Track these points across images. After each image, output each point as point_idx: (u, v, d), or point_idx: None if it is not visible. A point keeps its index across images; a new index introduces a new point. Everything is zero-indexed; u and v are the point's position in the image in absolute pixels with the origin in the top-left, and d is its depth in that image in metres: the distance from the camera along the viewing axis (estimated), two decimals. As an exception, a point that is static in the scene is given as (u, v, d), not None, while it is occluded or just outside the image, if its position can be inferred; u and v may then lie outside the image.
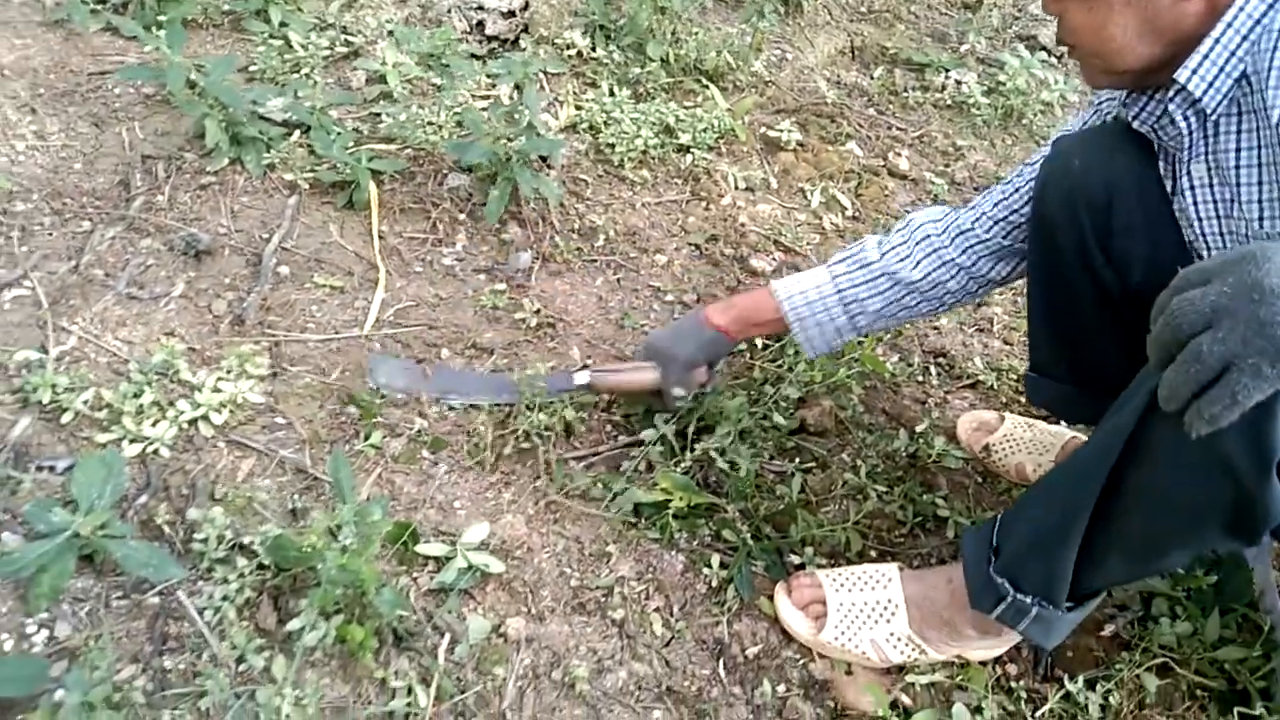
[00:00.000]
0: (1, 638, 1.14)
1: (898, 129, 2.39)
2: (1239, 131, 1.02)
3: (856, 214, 2.12)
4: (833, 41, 2.69)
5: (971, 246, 1.37)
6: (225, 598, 1.20)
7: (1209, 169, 1.07)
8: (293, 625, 1.16)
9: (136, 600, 1.20)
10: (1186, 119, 1.05)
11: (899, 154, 2.28)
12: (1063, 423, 1.63)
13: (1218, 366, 0.78)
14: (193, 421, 1.42)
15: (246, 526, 1.29)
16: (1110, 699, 1.29)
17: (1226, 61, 0.99)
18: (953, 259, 1.36)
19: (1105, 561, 1.07)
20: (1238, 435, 0.83)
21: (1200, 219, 1.10)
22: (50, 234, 1.70)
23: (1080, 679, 1.29)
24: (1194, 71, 1.00)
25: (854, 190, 2.17)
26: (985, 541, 1.19)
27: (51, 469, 1.32)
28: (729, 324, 1.46)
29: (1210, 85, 1.00)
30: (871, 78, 2.58)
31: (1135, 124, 1.12)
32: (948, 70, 2.59)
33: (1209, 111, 1.02)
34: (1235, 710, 1.28)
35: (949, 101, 2.51)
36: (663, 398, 1.49)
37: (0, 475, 1.28)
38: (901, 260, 1.38)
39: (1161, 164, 1.15)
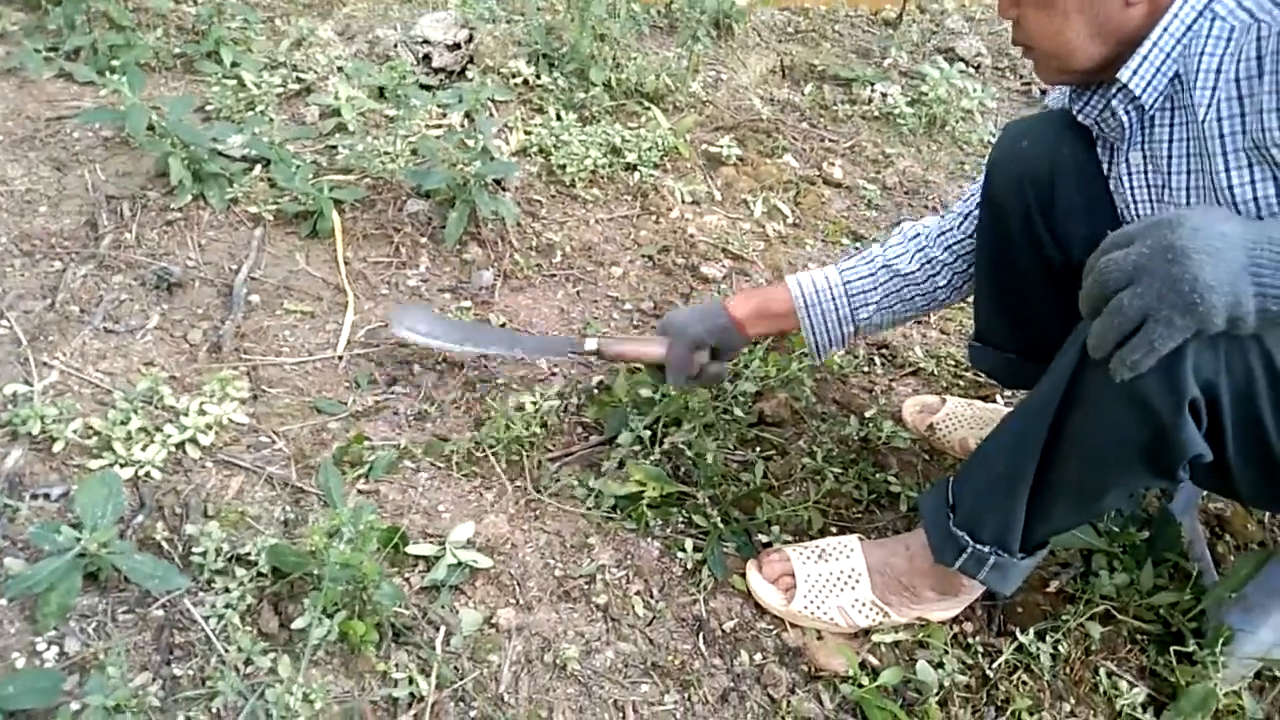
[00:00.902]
0: (13, 656, 1.18)
1: (830, 140, 2.53)
2: (1171, 125, 1.14)
3: (797, 221, 2.24)
4: (764, 61, 2.83)
5: (952, 245, 1.48)
6: (228, 605, 1.26)
7: (1145, 157, 1.19)
8: (297, 624, 1.22)
9: (141, 614, 1.25)
10: (1128, 112, 1.17)
11: (833, 164, 2.41)
12: (999, 398, 1.76)
13: (1137, 319, 0.90)
14: (181, 444, 1.47)
15: (242, 539, 1.35)
16: (1059, 648, 1.40)
17: (1163, 63, 1.10)
18: (938, 257, 1.48)
19: (1052, 509, 1.18)
20: (1154, 378, 0.95)
21: (1135, 202, 1.23)
22: (23, 274, 1.74)
23: (1031, 631, 1.41)
24: (1134, 71, 1.11)
25: (793, 199, 2.30)
26: (942, 499, 1.30)
27: (46, 496, 1.37)
28: (744, 315, 1.53)
29: (1148, 84, 1.12)
30: (802, 94, 2.73)
31: (1080, 117, 1.24)
32: (873, 84, 2.74)
33: (1146, 107, 1.15)
34: (1172, 649, 1.40)
35: (876, 113, 2.66)
36: (664, 373, 1.55)
37: (-3, 504, 1.32)
38: (898, 256, 1.50)
39: (1101, 152, 1.27)
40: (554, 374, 1.77)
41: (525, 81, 2.47)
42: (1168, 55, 1.10)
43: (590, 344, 1.57)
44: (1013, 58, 3.10)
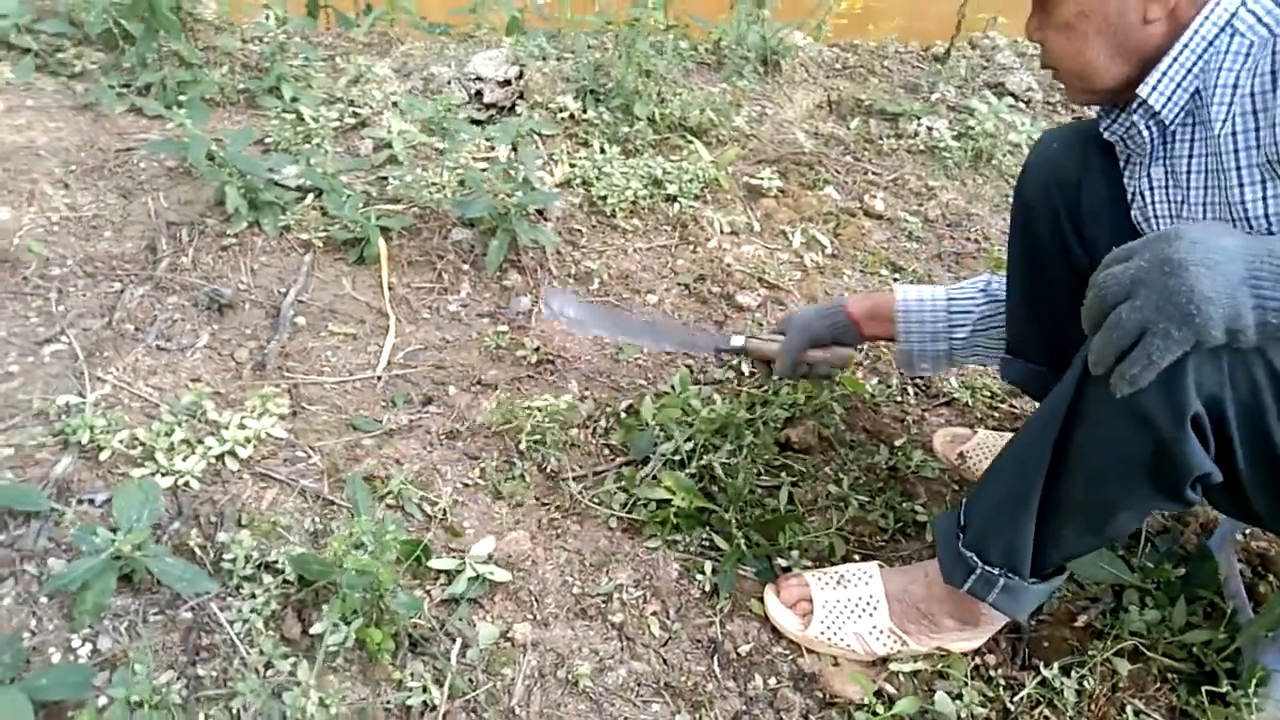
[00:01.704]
0: (50, 651, 1.24)
1: (873, 173, 2.54)
2: (1192, 140, 1.14)
3: (835, 252, 2.25)
4: (810, 97, 2.85)
5: None
6: (254, 610, 1.30)
7: (1166, 173, 1.19)
8: (316, 629, 1.26)
9: (171, 615, 1.30)
10: (1149, 128, 1.18)
11: (874, 196, 2.42)
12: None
13: (1135, 332, 0.90)
14: (220, 456, 1.53)
15: (271, 547, 1.40)
16: (1085, 683, 1.37)
17: (1183, 78, 1.11)
18: None
19: (1061, 530, 1.16)
20: (1154, 393, 0.94)
21: (1156, 217, 1.23)
22: (84, 294, 1.84)
23: (1055, 665, 1.38)
24: (1154, 87, 1.12)
25: (833, 230, 2.31)
26: (954, 520, 1.29)
27: (91, 501, 1.43)
28: (859, 313, 1.59)
29: (1168, 99, 1.13)
30: (848, 128, 2.74)
31: (1107, 135, 1.24)
32: (919, 118, 2.74)
33: (1167, 122, 1.15)
34: (1203, 689, 1.36)
35: (921, 146, 2.66)
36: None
37: (45, 509, 1.39)
38: (998, 286, 1.53)
39: (1124, 167, 1.28)
40: (584, 399, 1.79)
41: (572, 116, 2.53)
42: (1189, 71, 1.11)
43: (737, 341, 1.63)
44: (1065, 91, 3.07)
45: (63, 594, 1.28)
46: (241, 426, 1.57)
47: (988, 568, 1.23)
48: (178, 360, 1.73)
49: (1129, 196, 1.28)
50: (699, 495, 1.53)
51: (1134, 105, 1.17)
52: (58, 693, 1.16)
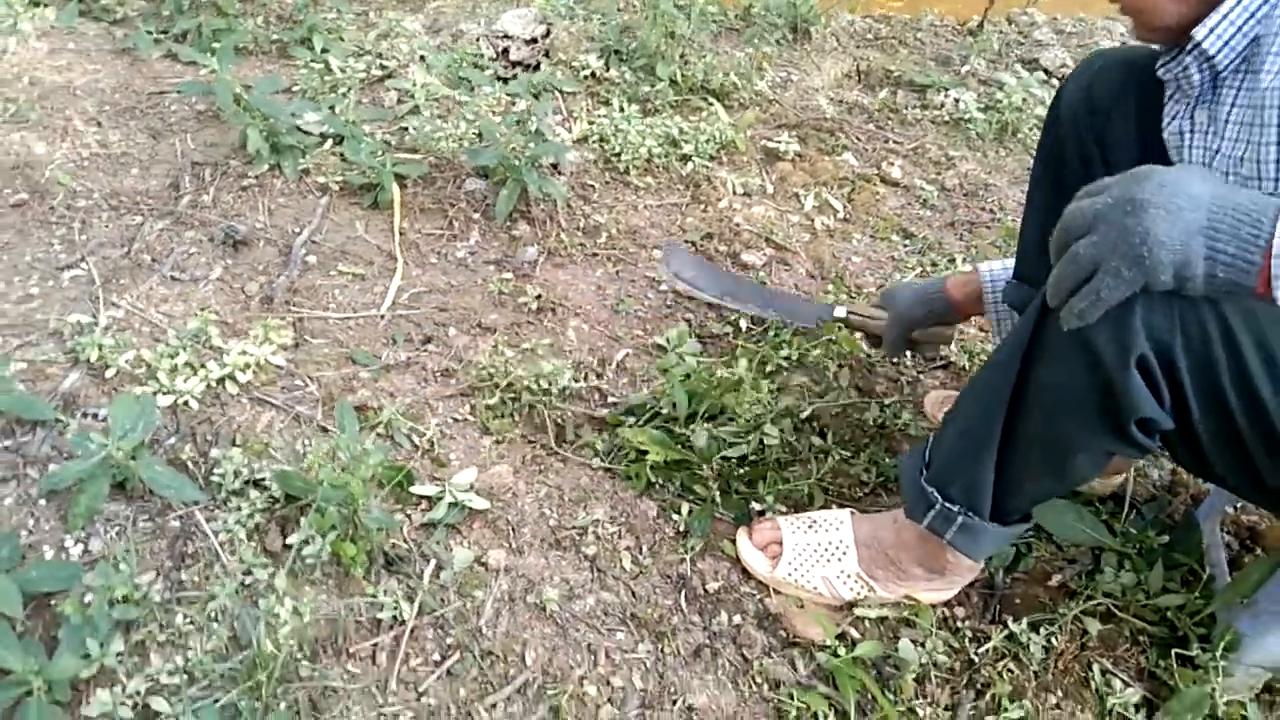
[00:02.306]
0: (44, 548, 1.30)
1: (894, 142, 2.52)
2: (1239, 89, 1.09)
3: (847, 216, 2.25)
4: (839, 66, 2.84)
5: None
6: (238, 522, 1.35)
7: (1209, 118, 1.15)
8: (292, 540, 1.30)
9: (160, 523, 1.36)
10: (1201, 70, 1.12)
11: (892, 164, 2.40)
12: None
13: (1089, 268, 0.90)
14: (220, 380, 1.59)
15: (261, 466, 1.45)
16: (1053, 640, 1.37)
17: (1244, 22, 1.05)
18: None
19: (1021, 471, 1.16)
20: (1103, 329, 0.94)
21: (1190, 161, 1.18)
22: (107, 226, 1.90)
23: (1024, 621, 1.38)
24: (1211, 29, 1.06)
25: (847, 196, 2.30)
26: (919, 455, 1.29)
27: (95, 416, 1.50)
28: (960, 296, 1.63)
29: (1226, 44, 1.07)
30: (875, 97, 2.73)
31: (1162, 73, 1.19)
32: (948, 89, 2.71)
33: (1220, 68, 1.10)
34: (1173, 652, 1.35)
35: (946, 118, 2.64)
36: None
37: (49, 418, 1.46)
38: None
39: (1170, 104, 1.23)
40: (580, 344, 1.82)
41: (594, 75, 2.55)
42: (1252, 15, 1.05)
43: (840, 311, 1.70)
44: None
45: (59, 497, 1.35)
46: (243, 354, 1.62)
47: (947, 504, 1.23)
48: (190, 290, 1.79)
49: (1167, 135, 1.23)
50: (675, 449, 1.55)
51: (1189, 46, 1.11)
52: (46, 585, 1.22)
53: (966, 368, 1.87)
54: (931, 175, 2.42)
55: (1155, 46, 1.26)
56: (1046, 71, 2.86)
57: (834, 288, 2.03)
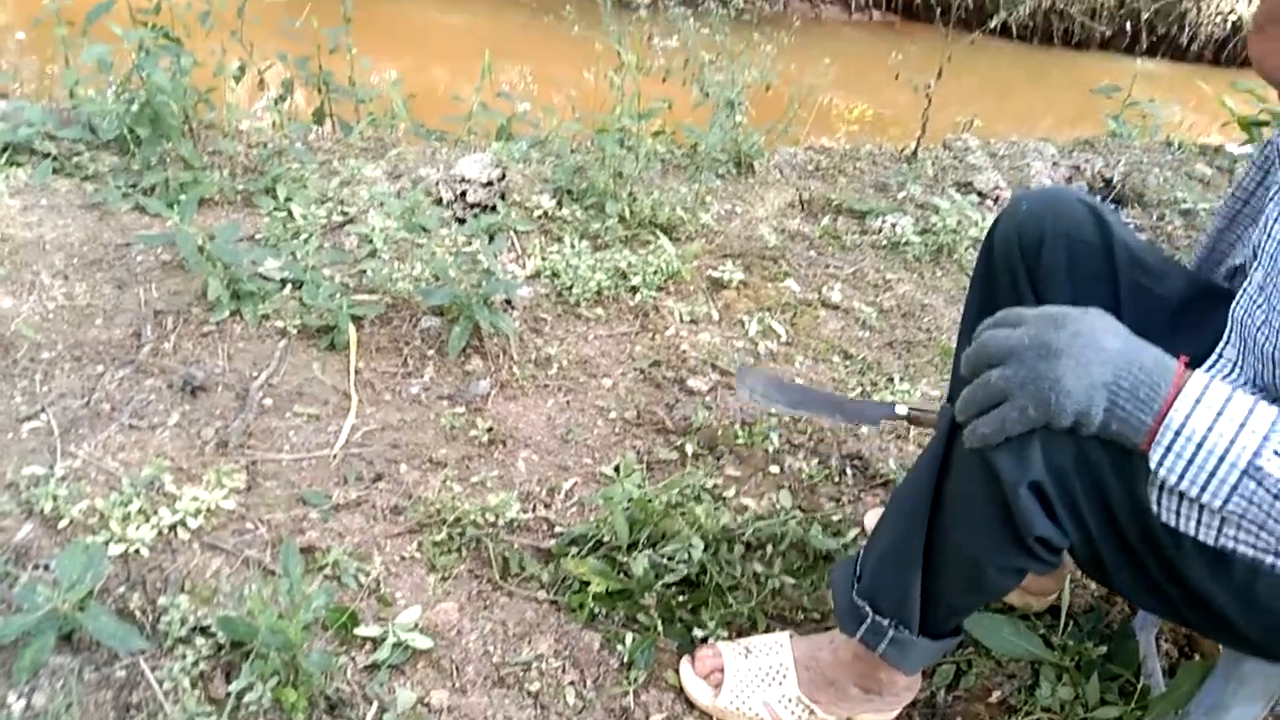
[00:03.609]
0: (-14, 705, 1.31)
1: (834, 267, 2.64)
2: None
3: (790, 340, 2.33)
4: (781, 196, 2.98)
5: None
6: (182, 670, 1.37)
7: None
8: (233, 687, 1.32)
9: (106, 673, 1.38)
10: None
11: (832, 288, 2.51)
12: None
13: (998, 397, 0.97)
14: (172, 526, 1.62)
15: (208, 612, 1.47)
16: (994, 758, 1.39)
17: None
18: None
19: (941, 582, 1.19)
20: (1003, 451, 1.00)
21: (1268, 238, 1.14)
22: (69, 377, 1.96)
23: (965, 739, 1.40)
24: None
25: (789, 320, 2.40)
26: (850, 567, 1.32)
27: (46, 567, 1.52)
28: None
29: None
30: (816, 225, 2.86)
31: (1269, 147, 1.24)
32: (885, 215, 2.85)
33: None
34: (1111, 765, 1.37)
35: (884, 242, 2.77)
36: None
37: (1, 572, 1.48)
38: None
39: (1266, 179, 1.27)
40: (529, 474, 1.87)
41: (547, 214, 2.68)
42: None
43: (901, 410, 1.72)
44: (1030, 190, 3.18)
45: (5, 651, 1.36)
46: (195, 499, 1.66)
47: (878, 617, 1.26)
48: (147, 437, 1.84)
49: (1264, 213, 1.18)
50: (616, 579, 1.58)
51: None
52: (-15, 743, 1.23)
53: (906, 485, 1.93)
54: (870, 298, 2.53)
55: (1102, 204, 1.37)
56: (980, 194, 3.01)
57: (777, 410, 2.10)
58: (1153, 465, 0.93)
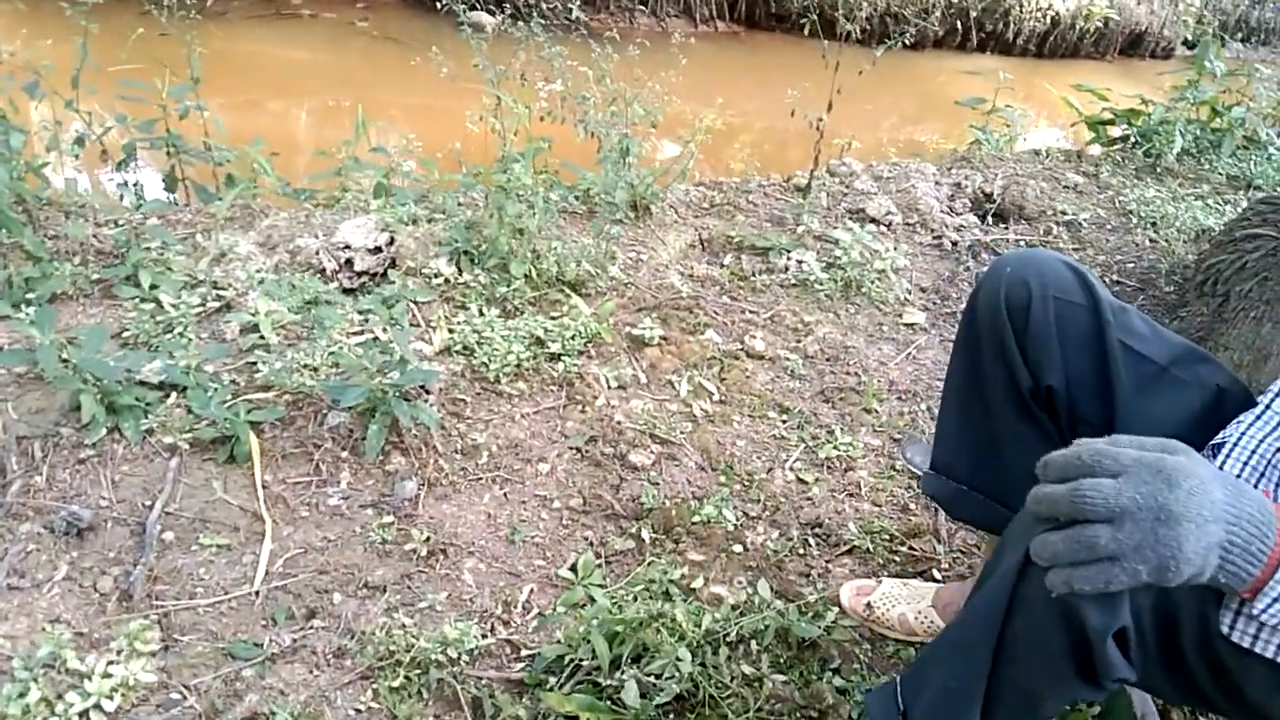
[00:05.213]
0: None
1: (750, 312, 2.58)
2: None
3: (723, 398, 2.26)
4: (682, 237, 2.91)
5: None
6: None
7: None
8: None
9: None
10: None
11: (754, 336, 2.45)
12: (935, 572, 1.74)
13: (1104, 557, 0.89)
14: (84, 713, 1.40)
15: (144, 819, 1.26)
16: None
17: None
18: None
19: (995, 715, 1.14)
20: (1091, 602, 0.94)
21: None
22: (-79, 534, 1.68)
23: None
24: None
25: (718, 375, 2.32)
26: (890, 702, 1.25)
27: (-69, 791, 1.28)
28: None
29: None
30: (722, 266, 2.80)
31: None
32: (788, 251, 2.82)
33: None
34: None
35: (793, 280, 2.73)
36: None
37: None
38: None
39: None
40: (479, 587, 1.72)
41: (447, 280, 2.51)
42: None
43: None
44: (921, 212, 3.23)
45: None
46: (107, 675, 1.44)
47: None
48: (32, 599, 1.59)
49: None
50: (606, 709, 1.46)
51: None
52: None
53: (870, 550, 1.88)
54: (793, 343, 2.48)
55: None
56: (875, 221, 3.02)
57: (725, 478, 2.02)
58: (1255, 612, 0.89)
